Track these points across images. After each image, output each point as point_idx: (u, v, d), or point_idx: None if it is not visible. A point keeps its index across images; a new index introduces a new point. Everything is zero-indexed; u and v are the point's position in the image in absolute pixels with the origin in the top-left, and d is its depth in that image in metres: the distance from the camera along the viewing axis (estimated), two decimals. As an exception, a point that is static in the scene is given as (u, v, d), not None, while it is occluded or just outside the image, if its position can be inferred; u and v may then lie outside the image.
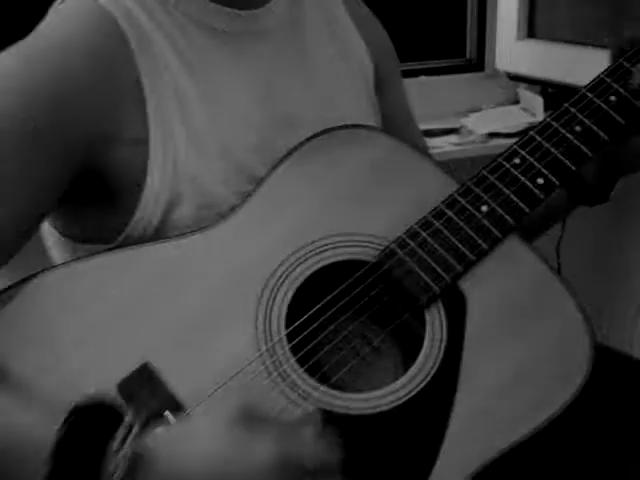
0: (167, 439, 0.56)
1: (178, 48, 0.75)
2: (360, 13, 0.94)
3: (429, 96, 1.71)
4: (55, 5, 0.77)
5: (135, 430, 0.55)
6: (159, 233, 0.73)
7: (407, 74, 1.78)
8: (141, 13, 0.74)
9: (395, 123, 0.95)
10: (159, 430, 0.56)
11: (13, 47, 0.70)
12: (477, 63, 1.84)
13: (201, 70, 0.76)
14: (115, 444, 0.54)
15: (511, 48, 1.65)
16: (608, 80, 0.79)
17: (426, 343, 0.68)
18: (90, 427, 0.55)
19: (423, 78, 1.77)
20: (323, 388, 0.65)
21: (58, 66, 0.69)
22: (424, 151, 0.80)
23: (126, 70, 0.72)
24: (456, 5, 1.84)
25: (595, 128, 0.77)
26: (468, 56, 1.85)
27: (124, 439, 0.54)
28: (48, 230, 0.82)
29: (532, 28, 1.62)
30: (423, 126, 1.68)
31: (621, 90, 0.79)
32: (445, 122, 1.64)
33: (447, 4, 1.87)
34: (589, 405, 0.68)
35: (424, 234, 0.72)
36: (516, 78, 1.70)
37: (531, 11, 1.60)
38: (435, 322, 0.69)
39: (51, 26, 0.74)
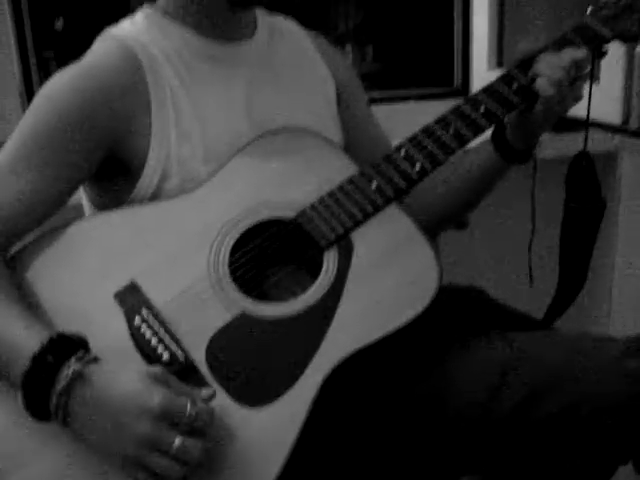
0: (102, 371, 0.87)
1: (176, 68, 1.08)
2: (325, 47, 1.26)
3: (416, 119, 2.01)
4: (97, 40, 1.11)
5: (84, 359, 0.86)
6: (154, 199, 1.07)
7: (400, 99, 2.11)
8: (153, 47, 1.08)
9: (363, 131, 1.27)
10: (97, 365, 0.87)
11: (68, 67, 1.05)
12: (462, 89, 2.14)
13: (193, 86, 1.09)
14: (67, 364, 0.85)
15: (484, 76, 1.95)
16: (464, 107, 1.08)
17: (322, 272, 0.99)
18: (57, 351, 0.87)
19: (412, 103, 2.08)
20: (248, 298, 0.97)
21: (95, 81, 1.03)
22: (340, 146, 1.11)
23: (139, 85, 1.06)
24: (445, 41, 2.15)
25: (463, 130, 1.07)
26: (455, 84, 2.16)
27: (76, 362, 0.86)
28: (84, 200, 1.17)
29: (500, 58, 1.92)
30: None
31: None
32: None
33: (437, 41, 2.19)
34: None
35: (328, 200, 1.03)
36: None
37: (499, 43, 1.91)
38: (330, 259, 1.00)
39: (93, 54, 1.08)
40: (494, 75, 1.95)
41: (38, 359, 0.86)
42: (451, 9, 2.09)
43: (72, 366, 0.85)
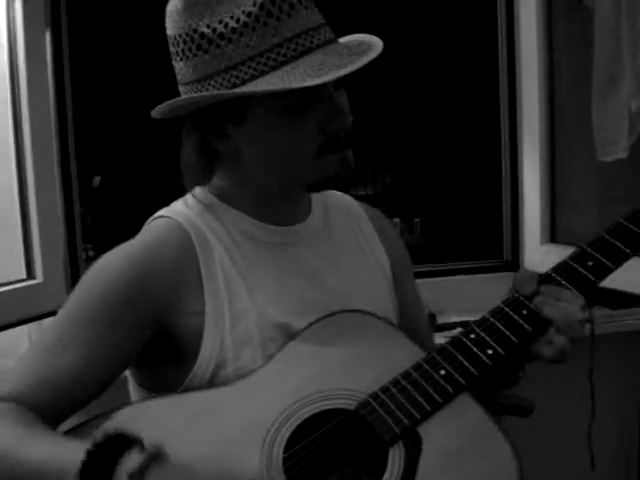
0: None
1: (229, 251, 1.05)
2: (382, 225, 1.23)
3: (466, 292, 1.95)
4: (148, 222, 1.09)
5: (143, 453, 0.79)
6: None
7: (448, 272, 2.06)
8: (205, 228, 1.05)
9: (407, 308, 1.21)
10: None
11: (120, 246, 1.03)
12: (512, 263, 2.09)
13: (246, 267, 1.05)
14: (124, 462, 0.79)
15: (537, 251, 1.90)
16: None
17: (387, 472, 0.88)
18: (107, 451, 0.80)
19: (462, 277, 2.03)
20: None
21: (146, 260, 1.00)
22: (402, 329, 1.05)
23: (191, 265, 1.02)
24: (493, 214, 2.13)
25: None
26: (505, 258, 2.11)
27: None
28: (130, 381, 1.10)
29: (554, 234, 1.87)
30: (457, 318, 1.93)
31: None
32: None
33: (485, 215, 2.16)
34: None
35: (393, 389, 0.94)
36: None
37: (552, 218, 1.87)
38: (395, 456, 0.90)
39: (144, 234, 1.06)
40: (548, 250, 1.92)
41: (86, 468, 0.80)
42: (499, 182, 2.08)
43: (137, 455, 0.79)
